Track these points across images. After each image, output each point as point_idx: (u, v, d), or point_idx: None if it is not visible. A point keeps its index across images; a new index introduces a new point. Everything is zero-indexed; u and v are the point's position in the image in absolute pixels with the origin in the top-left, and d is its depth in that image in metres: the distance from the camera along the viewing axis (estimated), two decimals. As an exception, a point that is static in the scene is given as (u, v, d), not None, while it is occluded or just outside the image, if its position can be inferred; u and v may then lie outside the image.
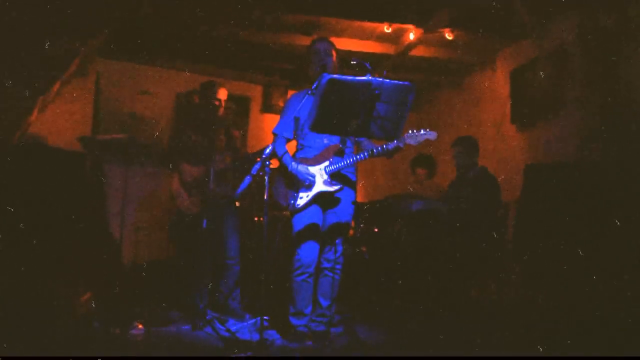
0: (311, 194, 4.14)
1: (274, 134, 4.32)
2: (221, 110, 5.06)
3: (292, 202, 4.16)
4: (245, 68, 7.54)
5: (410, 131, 4.01)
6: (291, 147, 4.37)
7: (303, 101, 4.12)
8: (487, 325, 4.50)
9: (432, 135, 4.05)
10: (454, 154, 5.60)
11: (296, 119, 4.25)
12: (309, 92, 4.14)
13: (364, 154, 4.09)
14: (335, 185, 4.14)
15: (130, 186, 4.99)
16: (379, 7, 5.69)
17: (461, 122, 7.42)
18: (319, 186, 4.14)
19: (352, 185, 4.28)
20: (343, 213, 4.25)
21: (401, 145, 4.01)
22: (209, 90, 5.05)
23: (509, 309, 4.85)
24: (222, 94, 5.07)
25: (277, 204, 4.22)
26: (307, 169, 4.15)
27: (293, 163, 4.17)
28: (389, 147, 4.02)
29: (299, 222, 4.20)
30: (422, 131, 4.04)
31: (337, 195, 4.19)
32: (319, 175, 4.15)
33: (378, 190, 7.46)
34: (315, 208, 4.20)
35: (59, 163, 3.92)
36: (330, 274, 4.23)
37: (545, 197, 4.19)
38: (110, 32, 5.82)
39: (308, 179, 4.13)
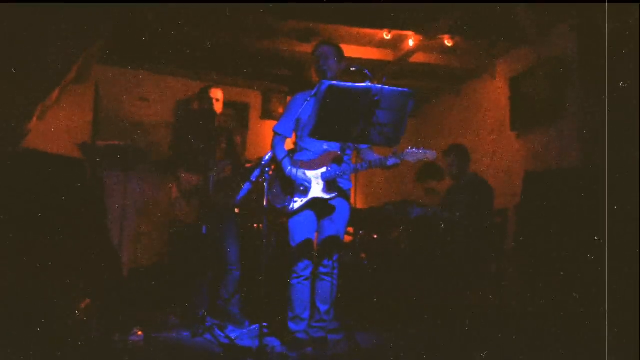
0: (306, 199, 4.14)
1: (274, 131, 4.32)
2: (219, 110, 5.06)
3: (287, 205, 4.16)
4: (245, 74, 7.55)
5: (410, 148, 3.98)
6: (288, 143, 4.36)
7: (305, 104, 4.12)
8: (486, 331, 4.50)
9: (432, 154, 3.99)
10: (447, 164, 5.61)
11: (297, 120, 4.26)
12: (309, 97, 4.16)
13: (361, 165, 4.10)
14: (330, 193, 4.14)
15: (130, 192, 5.00)
16: (379, 14, 5.70)
17: (460, 129, 7.44)
18: (314, 192, 4.13)
19: (346, 193, 4.27)
20: (338, 220, 4.24)
21: (399, 161, 3.99)
22: (204, 94, 5.05)
23: (509, 315, 4.85)
24: (216, 93, 5.06)
25: (273, 207, 4.21)
26: (305, 174, 4.15)
27: (292, 168, 4.16)
28: (388, 162, 4.01)
29: (295, 226, 4.20)
30: (421, 150, 3.99)
31: (332, 202, 4.19)
32: (315, 182, 4.14)
33: (377, 197, 7.45)
34: (309, 213, 4.20)
35: (58, 169, 3.92)
36: (328, 279, 4.22)
37: (545, 204, 4.20)
38: (110, 38, 5.83)
39: (304, 185, 4.12)
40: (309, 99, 4.14)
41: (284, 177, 4.18)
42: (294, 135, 4.34)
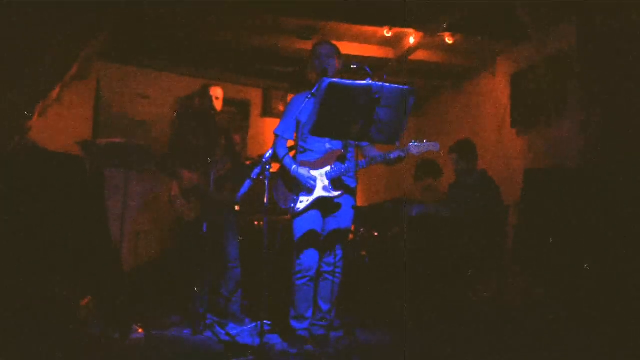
0: (311, 198, 4.13)
1: (275, 134, 4.31)
2: (219, 107, 5.06)
3: (292, 205, 4.16)
4: (245, 72, 7.55)
5: (413, 141, 4.03)
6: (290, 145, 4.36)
7: (304, 104, 4.11)
8: (487, 328, 4.50)
9: (435, 146, 4.05)
10: (453, 160, 5.60)
11: (298, 122, 4.25)
12: (309, 95, 4.15)
13: (366, 161, 4.10)
14: (335, 191, 4.14)
15: (130, 190, 4.99)
16: (379, 11, 5.69)
17: (461, 127, 7.42)
18: (320, 191, 4.13)
19: (352, 190, 4.27)
20: (343, 218, 4.24)
21: (403, 155, 4.02)
22: (204, 92, 5.06)
23: (509, 312, 4.85)
24: (215, 91, 5.07)
25: (277, 207, 4.22)
26: (309, 172, 4.15)
27: (294, 166, 4.15)
28: (392, 156, 4.03)
29: (299, 226, 4.19)
30: (425, 142, 4.05)
31: (337, 200, 4.19)
32: (320, 180, 4.14)
33: (378, 194, 7.45)
34: (315, 212, 4.20)
35: (58, 167, 3.91)
36: (330, 278, 4.22)
37: (545, 202, 4.19)
38: (110, 35, 5.82)
39: (310, 183, 4.12)
40: (309, 97, 4.14)
41: (288, 177, 4.18)
42: (294, 136, 4.34)
